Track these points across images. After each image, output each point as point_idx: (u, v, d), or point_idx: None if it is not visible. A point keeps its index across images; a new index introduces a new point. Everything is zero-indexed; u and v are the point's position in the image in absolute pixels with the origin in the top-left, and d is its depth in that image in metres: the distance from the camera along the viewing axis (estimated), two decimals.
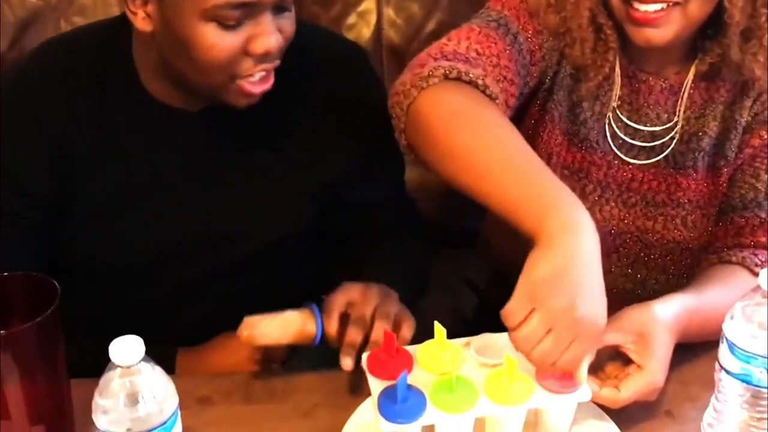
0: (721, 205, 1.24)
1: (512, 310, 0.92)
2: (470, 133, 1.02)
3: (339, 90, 1.24)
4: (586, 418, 1.02)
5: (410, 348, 1.00)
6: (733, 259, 1.17)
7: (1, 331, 0.91)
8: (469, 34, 1.17)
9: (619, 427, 1.02)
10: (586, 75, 1.22)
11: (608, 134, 1.25)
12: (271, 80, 1.12)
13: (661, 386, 1.03)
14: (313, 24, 1.43)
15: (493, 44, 1.16)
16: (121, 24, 1.16)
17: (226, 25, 1.06)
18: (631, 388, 1.00)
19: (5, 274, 0.98)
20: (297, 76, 1.21)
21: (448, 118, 1.05)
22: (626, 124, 1.24)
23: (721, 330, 0.98)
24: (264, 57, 1.09)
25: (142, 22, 1.10)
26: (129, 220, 1.21)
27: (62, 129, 1.17)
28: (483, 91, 1.08)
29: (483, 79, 1.09)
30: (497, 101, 1.10)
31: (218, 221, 1.22)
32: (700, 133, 1.23)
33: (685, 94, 1.22)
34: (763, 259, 1.16)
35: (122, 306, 1.25)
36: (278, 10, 1.09)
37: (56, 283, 0.96)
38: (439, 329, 0.97)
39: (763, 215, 1.19)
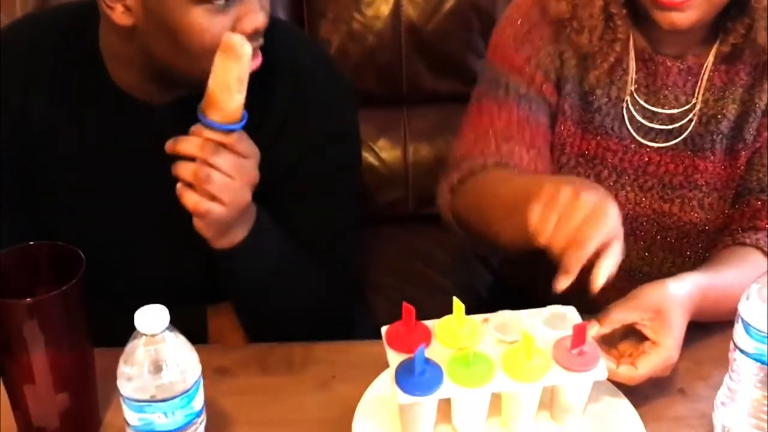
0: (738, 188, 1.25)
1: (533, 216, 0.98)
2: (485, 205, 1.16)
3: (295, 104, 1.20)
4: (600, 395, 1.03)
5: (429, 323, 1.01)
6: (747, 241, 1.18)
7: (28, 299, 0.93)
8: (478, 120, 1.27)
9: (633, 405, 1.03)
10: (593, 62, 1.23)
11: (626, 118, 1.26)
12: (260, 58, 1.10)
13: (675, 362, 1.04)
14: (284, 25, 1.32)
15: (506, 114, 1.25)
16: (91, 9, 1.13)
17: (215, 8, 1.05)
18: (647, 365, 1.02)
19: (31, 243, 1.00)
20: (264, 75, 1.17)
21: (475, 208, 1.20)
22: (644, 107, 1.25)
23: (734, 310, 0.99)
24: (252, 36, 1.07)
25: (121, 16, 1.08)
26: (82, 203, 1.20)
27: (21, 102, 1.17)
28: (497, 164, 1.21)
29: (491, 158, 1.22)
30: (521, 156, 1.23)
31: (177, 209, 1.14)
32: (719, 116, 1.23)
33: (705, 76, 1.23)
34: None
35: (108, 281, 1.20)
36: None
37: (81, 253, 0.97)
38: (457, 305, 0.98)
39: None
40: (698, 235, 1.28)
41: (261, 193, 1.19)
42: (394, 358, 0.98)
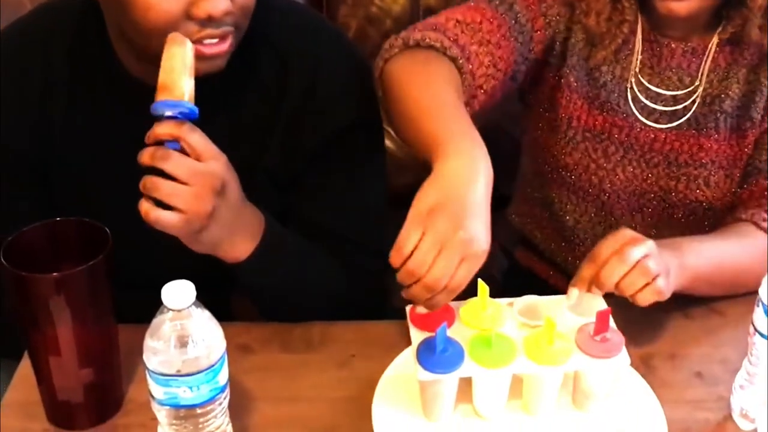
0: (747, 168, 1.26)
1: (404, 237, 0.93)
2: (407, 89, 1.11)
3: (314, 93, 1.18)
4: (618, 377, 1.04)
5: (453, 304, 1.01)
6: (743, 216, 1.21)
7: (55, 274, 0.94)
8: (456, 8, 1.24)
9: (650, 387, 1.04)
10: (601, 42, 1.25)
11: (630, 98, 1.27)
12: (227, 43, 1.06)
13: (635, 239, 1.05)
14: (300, 12, 1.29)
15: (479, 13, 1.22)
16: None
17: None
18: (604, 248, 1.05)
19: (58, 219, 1.01)
20: (273, 67, 1.18)
21: (398, 79, 1.13)
22: (647, 88, 1.26)
23: (728, 280, 1.09)
24: (207, 22, 1.03)
25: None
26: (102, 191, 1.20)
27: (39, 94, 1.17)
28: (444, 53, 1.16)
29: (441, 42, 1.17)
30: (461, 61, 1.17)
31: None
32: (723, 96, 1.24)
33: (709, 58, 1.23)
34: None
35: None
36: None
37: (107, 230, 0.98)
38: (482, 287, 0.99)
39: None
40: (704, 212, 1.29)
41: (284, 186, 1.20)
42: (417, 336, 0.99)
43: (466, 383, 0.99)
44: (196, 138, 0.99)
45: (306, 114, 1.18)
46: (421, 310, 0.99)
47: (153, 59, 1.02)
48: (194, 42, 1.02)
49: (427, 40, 1.17)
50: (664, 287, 1.03)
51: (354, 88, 1.22)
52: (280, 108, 1.18)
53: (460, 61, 1.17)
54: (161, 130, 0.98)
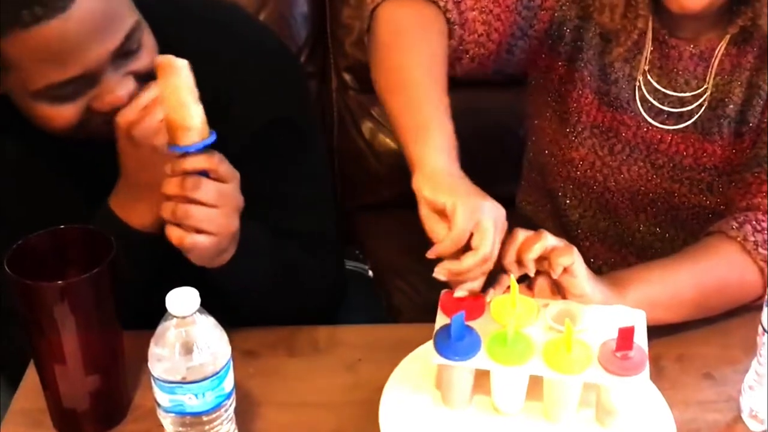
0: (739, 168, 1.24)
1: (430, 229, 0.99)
2: (397, 54, 1.11)
3: (220, 95, 1.12)
4: None
5: (489, 296, 1.01)
6: (713, 228, 1.16)
7: (60, 282, 0.94)
8: None
9: (659, 388, 1.03)
10: (616, 39, 1.24)
11: (637, 97, 1.26)
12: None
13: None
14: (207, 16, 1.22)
15: None
16: None
17: (60, 99, 1.01)
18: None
19: (62, 226, 1.01)
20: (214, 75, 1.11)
21: (388, 36, 1.14)
22: (656, 88, 1.25)
23: (688, 298, 1.07)
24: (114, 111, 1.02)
25: None
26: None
27: None
28: (444, 13, 1.17)
29: (445, 2, 1.17)
30: (455, 27, 1.17)
31: None
32: (726, 99, 1.23)
33: (716, 61, 1.22)
34: (746, 221, 1.14)
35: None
36: (123, 57, 1.02)
37: (112, 238, 0.98)
38: (513, 283, 0.98)
39: None
40: (708, 217, 1.28)
41: None
42: (441, 320, 0.99)
43: (486, 377, 0.98)
44: (225, 167, 0.99)
45: (222, 117, 1.09)
46: (459, 293, 0.99)
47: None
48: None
49: None
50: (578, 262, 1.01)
51: (269, 85, 1.18)
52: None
53: (454, 27, 1.18)
54: (193, 164, 0.96)
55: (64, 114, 1.02)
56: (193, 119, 0.94)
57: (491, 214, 0.97)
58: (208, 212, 0.98)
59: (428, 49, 1.14)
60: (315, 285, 1.21)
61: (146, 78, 1.03)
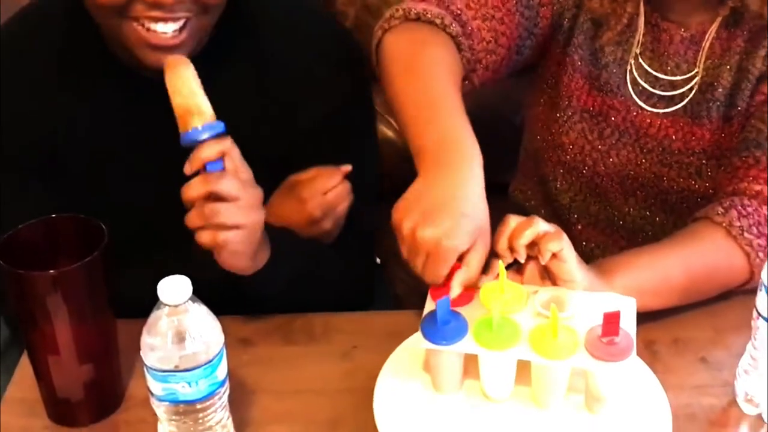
0: (727, 152, 1.24)
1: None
2: (403, 80, 1.11)
3: (299, 72, 1.20)
4: None
5: (480, 282, 1.01)
6: (698, 215, 1.16)
7: (51, 271, 0.94)
8: None
9: (654, 372, 1.03)
10: (607, 23, 1.24)
11: (628, 80, 1.26)
12: (184, 36, 1.07)
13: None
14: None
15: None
16: None
17: None
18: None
19: (54, 216, 1.00)
20: (276, 50, 1.19)
21: (393, 63, 1.14)
22: (647, 71, 1.25)
23: (678, 284, 1.07)
24: (154, 5, 1.04)
25: None
26: (104, 180, 1.21)
27: (34, 88, 1.17)
28: (444, 30, 1.16)
29: (442, 18, 1.16)
30: (460, 38, 1.17)
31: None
32: (716, 83, 1.23)
33: (707, 45, 1.22)
34: (731, 206, 1.13)
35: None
36: None
37: (103, 225, 0.98)
38: (502, 269, 0.98)
39: (759, 153, 1.17)
40: (697, 201, 1.27)
41: (275, 168, 1.20)
42: (429, 306, 0.99)
43: (477, 363, 0.98)
44: (237, 153, 1.01)
45: (296, 97, 1.19)
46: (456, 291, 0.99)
47: (124, 43, 1.07)
48: (139, 20, 1.05)
49: (429, 15, 1.16)
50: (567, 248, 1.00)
51: (343, 70, 1.22)
52: (269, 91, 1.18)
53: (459, 38, 1.17)
54: (208, 152, 0.99)
55: None
56: (205, 104, 0.99)
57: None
58: (232, 206, 1.00)
59: (441, 65, 1.13)
60: (340, 278, 1.22)
61: None
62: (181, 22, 1.07)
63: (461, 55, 1.18)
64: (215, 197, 1.00)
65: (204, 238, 1.01)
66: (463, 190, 0.97)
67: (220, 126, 0.99)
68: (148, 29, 1.06)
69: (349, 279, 1.24)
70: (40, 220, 1.00)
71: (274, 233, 1.11)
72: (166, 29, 1.07)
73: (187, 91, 0.99)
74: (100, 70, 1.18)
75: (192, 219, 1.01)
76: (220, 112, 1.05)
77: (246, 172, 1.03)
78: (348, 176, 1.22)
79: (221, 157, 1.00)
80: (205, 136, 0.98)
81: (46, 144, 1.18)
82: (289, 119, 1.20)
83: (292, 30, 1.21)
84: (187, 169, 0.99)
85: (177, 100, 0.99)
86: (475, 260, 0.98)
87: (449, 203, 0.95)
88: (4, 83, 1.18)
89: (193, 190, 1.00)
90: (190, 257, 1.08)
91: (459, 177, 0.98)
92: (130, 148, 1.20)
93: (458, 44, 1.18)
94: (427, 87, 1.09)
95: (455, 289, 0.98)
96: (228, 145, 1.00)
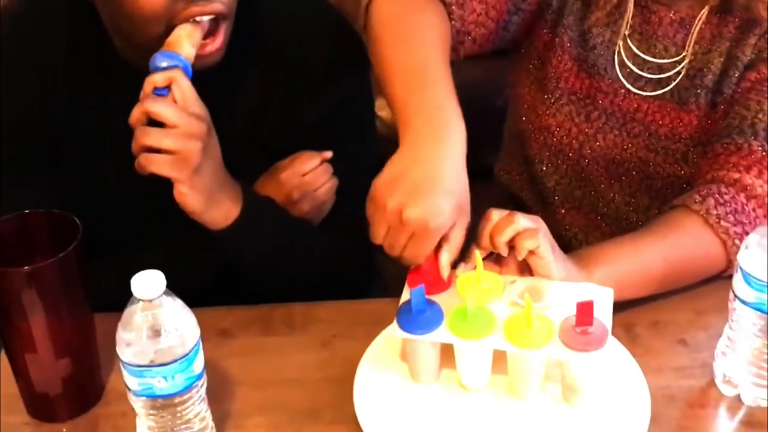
0: (711, 138, 1.23)
1: (367, 212, 0.97)
2: (392, 44, 1.09)
3: (305, 65, 1.21)
4: None
5: (458, 270, 1.01)
6: (676, 202, 1.16)
7: (26, 267, 0.93)
8: None
9: (633, 355, 1.03)
10: (596, 3, 1.24)
11: (617, 62, 1.26)
12: (220, 38, 1.10)
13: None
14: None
15: None
16: None
17: None
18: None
19: (27, 211, 1.00)
20: (280, 44, 1.19)
21: (383, 27, 1.12)
22: (635, 53, 1.24)
23: (655, 274, 1.06)
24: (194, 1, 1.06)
25: None
26: (105, 179, 1.21)
27: (37, 79, 1.18)
28: None
29: None
30: (453, 7, 1.17)
31: None
32: (705, 69, 1.23)
33: (696, 29, 1.22)
34: (709, 194, 1.13)
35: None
36: None
37: (78, 221, 0.97)
38: (478, 259, 0.98)
39: (740, 140, 1.17)
40: (682, 187, 1.27)
41: (280, 158, 1.21)
42: (406, 295, 0.99)
43: (453, 351, 0.98)
44: (186, 83, 1.03)
45: (302, 91, 1.20)
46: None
47: (153, 46, 1.06)
48: (182, 20, 1.07)
49: None
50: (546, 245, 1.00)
51: (346, 63, 1.22)
52: (275, 83, 1.19)
53: (452, 7, 1.17)
54: (156, 77, 1.03)
55: None
56: (179, 44, 1.05)
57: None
58: (164, 130, 1.02)
59: (431, 32, 1.12)
60: (327, 256, 1.23)
61: None
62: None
63: (451, 24, 1.17)
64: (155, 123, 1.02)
65: (138, 164, 1.03)
66: (446, 166, 0.95)
67: (182, 61, 1.03)
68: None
69: (338, 259, 1.23)
70: (14, 215, 0.99)
71: (250, 193, 1.12)
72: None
73: (176, 34, 1.06)
74: (103, 67, 1.18)
75: (133, 145, 1.03)
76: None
77: (197, 107, 1.04)
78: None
79: (168, 85, 1.03)
80: (163, 63, 1.03)
81: (45, 138, 1.19)
82: (294, 113, 1.21)
83: (299, 24, 1.21)
84: (141, 95, 1.03)
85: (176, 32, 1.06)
86: (458, 235, 0.98)
87: (434, 181, 0.94)
88: (4, 69, 1.17)
89: (132, 114, 1.03)
90: (182, 246, 1.10)
91: (442, 151, 0.96)
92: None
93: (450, 13, 1.17)
94: (417, 53, 1.07)
95: (445, 270, 0.98)
96: (176, 74, 1.03)
